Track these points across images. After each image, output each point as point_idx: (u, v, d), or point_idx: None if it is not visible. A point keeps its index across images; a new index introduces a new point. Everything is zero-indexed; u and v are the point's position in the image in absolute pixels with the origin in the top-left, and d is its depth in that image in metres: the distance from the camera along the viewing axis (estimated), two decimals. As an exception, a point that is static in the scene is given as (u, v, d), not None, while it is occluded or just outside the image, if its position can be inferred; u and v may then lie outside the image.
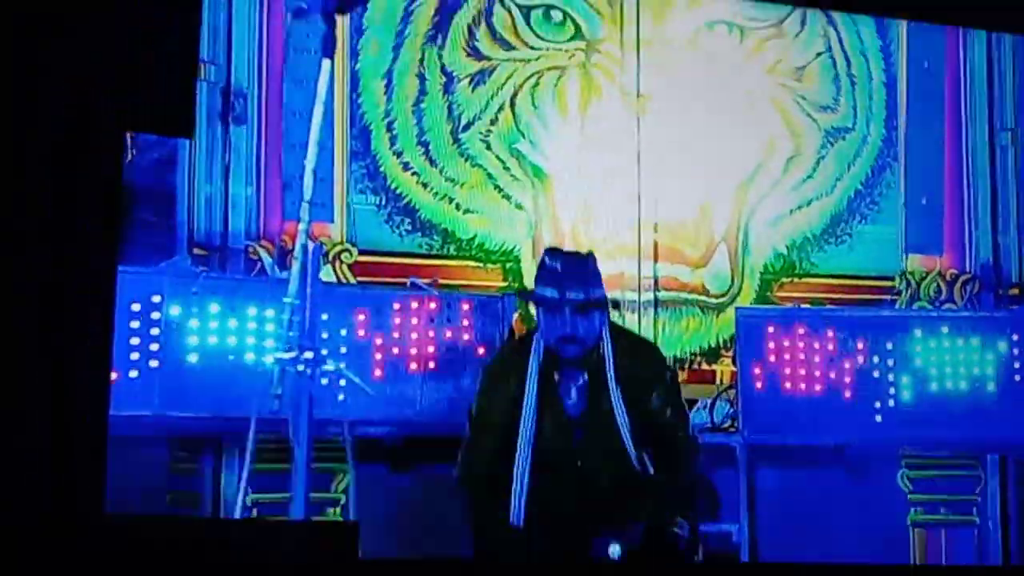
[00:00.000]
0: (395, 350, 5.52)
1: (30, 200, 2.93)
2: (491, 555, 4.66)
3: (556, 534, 4.56)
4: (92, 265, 3.04)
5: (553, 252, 4.80)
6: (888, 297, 6.47)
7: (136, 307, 5.24)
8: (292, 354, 4.72)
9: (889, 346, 5.84)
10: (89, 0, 2.99)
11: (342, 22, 5.98)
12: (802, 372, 5.81)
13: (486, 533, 4.67)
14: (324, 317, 5.06)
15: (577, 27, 6.35)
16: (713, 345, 6.23)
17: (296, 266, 4.79)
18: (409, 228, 6.08)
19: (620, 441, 4.59)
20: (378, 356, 5.50)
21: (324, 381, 4.92)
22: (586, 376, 4.68)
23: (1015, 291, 6.51)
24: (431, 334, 5.57)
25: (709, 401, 5.96)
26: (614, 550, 4.49)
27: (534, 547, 4.52)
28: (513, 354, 4.85)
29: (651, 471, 4.61)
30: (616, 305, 4.85)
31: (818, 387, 5.79)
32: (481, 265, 6.11)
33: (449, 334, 5.58)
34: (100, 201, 3.04)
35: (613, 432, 4.61)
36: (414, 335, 5.56)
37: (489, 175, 6.19)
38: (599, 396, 4.64)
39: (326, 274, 5.73)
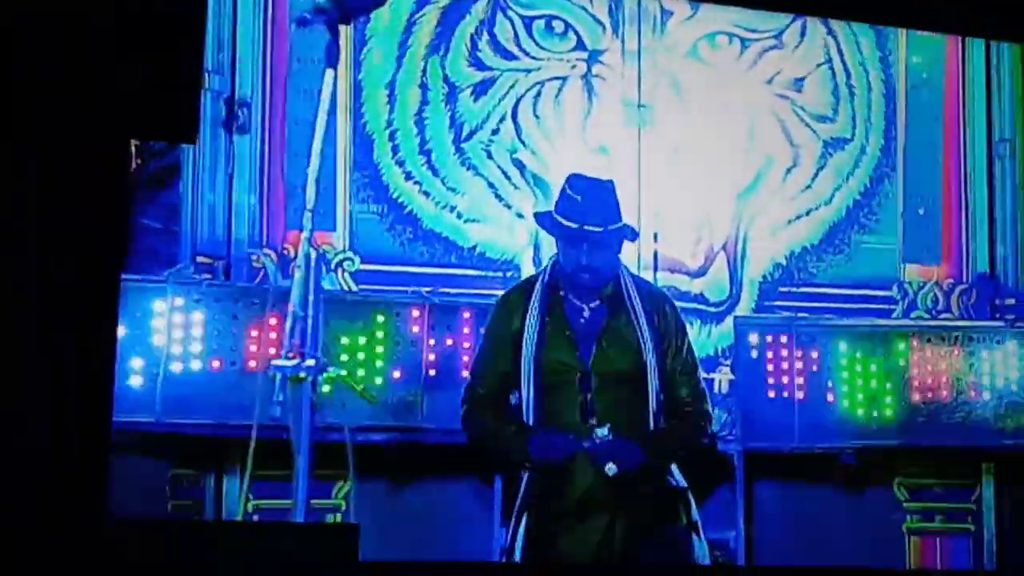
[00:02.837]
0: (396, 358, 5.59)
1: (35, 206, 2.97)
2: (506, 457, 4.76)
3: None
4: (96, 271, 3.08)
5: (576, 179, 4.87)
6: (885, 306, 6.51)
7: (139, 314, 5.32)
8: (294, 361, 4.77)
9: (885, 355, 5.90)
10: (94, 8, 3.03)
11: (346, 32, 6.04)
12: (799, 381, 5.87)
13: (498, 441, 4.76)
14: (326, 325, 5.11)
15: (578, 37, 6.40)
16: (711, 354, 6.25)
17: (299, 274, 4.85)
18: (411, 237, 6.12)
19: (634, 362, 4.68)
20: (379, 364, 5.57)
21: (325, 388, 4.98)
22: (599, 300, 4.76)
23: (1011, 301, 6.55)
24: (432, 342, 5.64)
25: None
26: (611, 468, 4.58)
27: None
28: (523, 283, 4.96)
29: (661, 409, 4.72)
30: (635, 235, 4.93)
31: (814, 395, 5.85)
32: (482, 273, 6.16)
33: (450, 342, 5.65)
34: (106, 206, 3.08)
35: (628, 352, 4.70)
36: (415, 343, 5.62)
37: (490, 184, 6.24)
38: (616, 316, 4.71)
39: (328, 282, 5.77)
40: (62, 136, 3.03)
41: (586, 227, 4.71)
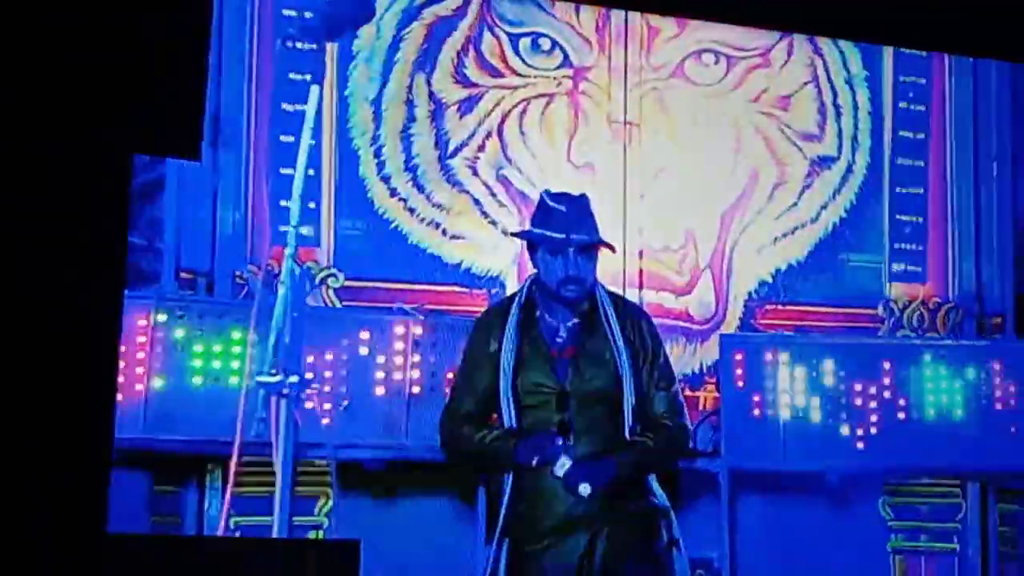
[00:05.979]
0: (380, 374, 5.57)
1: (37, 221, 2.96)
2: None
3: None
4: (98, 287, 3.07)
5: (553, 194, 4.87)
6: (871, 325, 6.51)
7: (122, 331, 5.29)
8: (277, 378, 4.77)
9: (871, 374, 5.89)
10: (100, 24, 3.03)
11: (332, 48, 6.04)
12: (785, 399, 5.87)
13: (481, 447, 4.75)
14: (310, 341, 5.10)
15: (565, 55, 6.40)
16: (697, 371, 6.26)
17: (283, 290, 4.85)
18: (396, 254, 6.11)
19: (611, 381, 4.67)
20: (363, 380, 5.55)
21: (308, 405, 4.97)
22: (576, 319, 4.75)
23: (997, 320, 6.55)
24: (416, 359, 5.62)
25: (692, 427, 5.99)
26: (584, 488, 4.58)
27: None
28: (500, 304, 4.96)
29: (637, 423, 4.71)
30: (612, 248, 4.92)
31: (800, 414, 5.85)
32: (467, 290, 6.15)
33: (434, 359, 5.63)
34: (107, 222, 3.08)
35: (605, 371, 4.69)
36: (399, 360, 5.61)
37: (476, 201, 6.23)
38: (592, 335, 4.71)
39: (313, 299, 5.76)
40: (64, 149, 3.02)
41: (572, 236, 4.71)
